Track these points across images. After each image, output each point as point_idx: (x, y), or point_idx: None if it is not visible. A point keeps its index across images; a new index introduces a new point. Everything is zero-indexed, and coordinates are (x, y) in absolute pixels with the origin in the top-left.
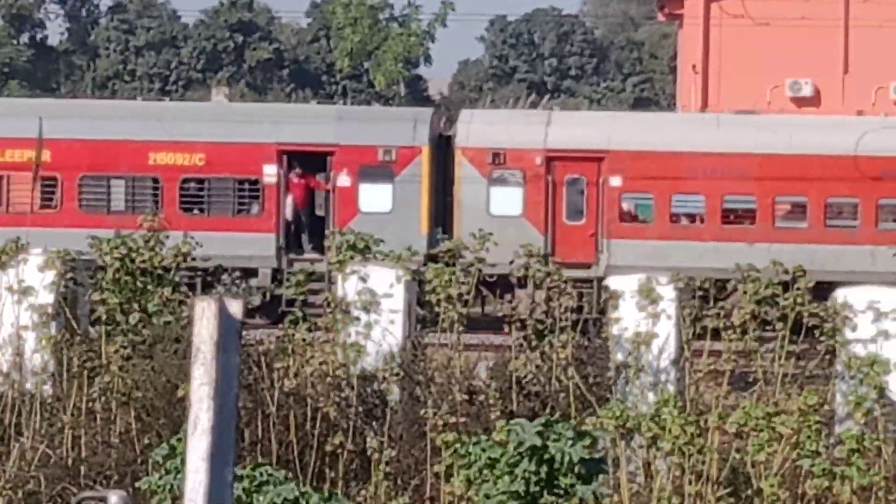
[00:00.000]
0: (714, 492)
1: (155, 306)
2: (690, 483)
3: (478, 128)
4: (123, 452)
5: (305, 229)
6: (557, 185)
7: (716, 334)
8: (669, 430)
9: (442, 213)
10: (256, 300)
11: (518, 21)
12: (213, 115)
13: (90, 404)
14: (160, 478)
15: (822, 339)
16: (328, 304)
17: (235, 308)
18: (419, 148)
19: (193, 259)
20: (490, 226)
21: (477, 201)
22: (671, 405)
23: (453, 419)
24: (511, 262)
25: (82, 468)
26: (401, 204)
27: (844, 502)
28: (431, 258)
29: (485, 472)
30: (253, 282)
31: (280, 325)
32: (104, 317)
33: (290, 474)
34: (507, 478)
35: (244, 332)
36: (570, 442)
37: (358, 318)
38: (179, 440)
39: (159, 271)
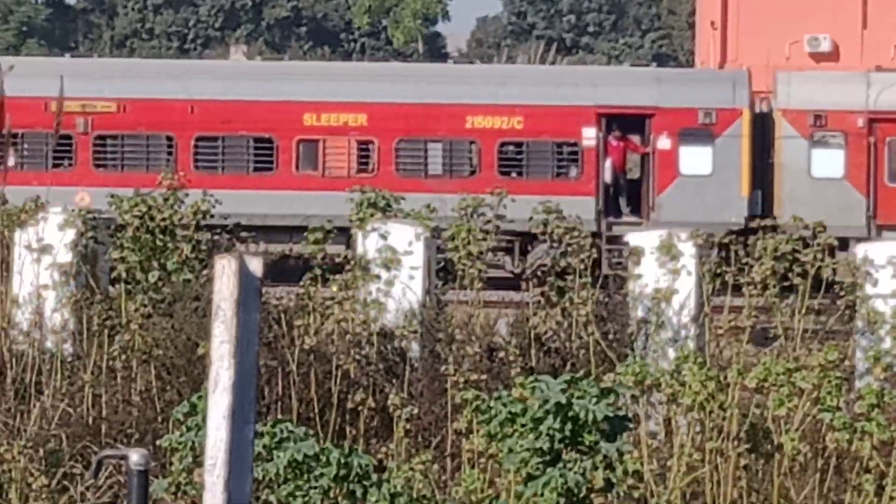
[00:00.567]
0: (734, 447)
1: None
2: (711, 439)
3: (797, 89)
4: (144, 410)
5: (624, 192)
6: (879, 146)
7: (737, 290)
8: (689, 387)
9: (759, 176)
10: None
11: None
12: (532, 78)
13: (110, 363)
14: (181, 435)
15: (842, 294)
16: (347, 262)
17: (255, 266)
18: (739, 110)
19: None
20: (811, 188)
21: (798, 164)
22: (691, 361)
23: (474, 376)
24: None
25: (103, 426)
26: (721, 167)
27: (864, 458)
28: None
29: (506, 427)
30: None
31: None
32: (131, 276)
33: (311, 431)
34: (531, 435)
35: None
36: (594, 399)
37: (378, 276)
38: (200, 398)
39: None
